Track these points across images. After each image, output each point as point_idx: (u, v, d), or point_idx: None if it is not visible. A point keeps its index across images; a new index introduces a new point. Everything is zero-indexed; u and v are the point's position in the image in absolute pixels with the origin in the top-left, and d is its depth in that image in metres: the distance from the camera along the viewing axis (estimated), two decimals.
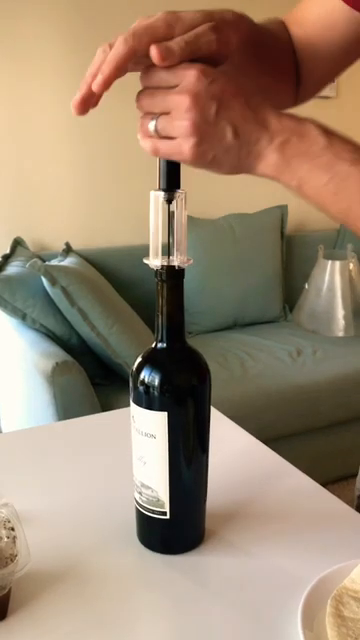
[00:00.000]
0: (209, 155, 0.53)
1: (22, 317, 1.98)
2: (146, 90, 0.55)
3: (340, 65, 0.77)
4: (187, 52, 0.52)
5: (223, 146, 0.53)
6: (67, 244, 2.40)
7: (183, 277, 0.62)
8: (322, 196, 0.54)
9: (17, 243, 2.36)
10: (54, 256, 2.31)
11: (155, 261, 0.61)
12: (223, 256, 2.63)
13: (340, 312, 2.65)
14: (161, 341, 0.63)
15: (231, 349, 2.41)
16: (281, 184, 0.55)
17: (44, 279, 1.91)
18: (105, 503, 0.77)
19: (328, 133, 0.54)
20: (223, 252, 2.63)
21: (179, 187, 0.59)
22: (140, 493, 0.67)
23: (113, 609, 0.60)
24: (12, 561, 0.58)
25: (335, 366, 2.30)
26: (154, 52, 0.51)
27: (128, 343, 1.89)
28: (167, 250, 0.61)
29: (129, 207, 2.67)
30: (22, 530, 0.61)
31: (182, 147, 0.53)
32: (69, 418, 1.08)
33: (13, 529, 0.62)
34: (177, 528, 0.68)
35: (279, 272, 2.77)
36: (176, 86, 0.53)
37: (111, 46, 0.54)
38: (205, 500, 0.70)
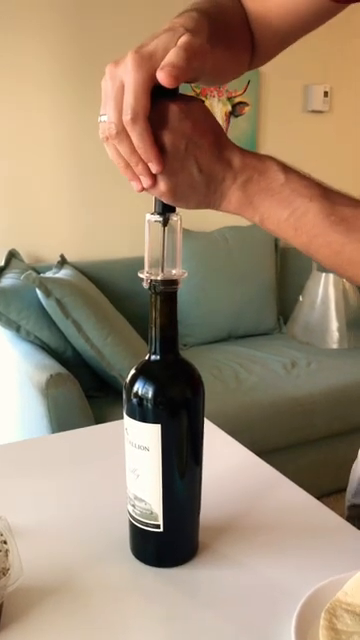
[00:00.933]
0: (177, 190, 0.56)
1: (16, 329, 1.97)
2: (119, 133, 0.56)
3: (294, 39, 0.77)
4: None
5: (190, 182, 0.56)
6: (62, 256, 2.40)
7: (177, 290, 0.62)
8: (283, 230, 0.57)
9: (12, 255, 2.36)
10: (49, 268, 2.31)
11: (149, 276, 0.61)
12: (217, 268, 2.63)
13: (334, 324, 2.66)
14: (155, 353, 0.64)
15: (225, 361, 2.41)
16: (245, 219, 0.58)
17: (38, 291, 1.91)
18: (99, 516, 0.77)
19: (287, 170, 0.56)
20: (217, 264, 2.64)
21: (174, 210, 0.60)
22: (133, 506, 0.67)
23: (106, 623, 0.60)
24: (4, 575, 0.58)
25: (329, 378, 2.30)
26: (162, 75, 0.52)
27: (122, 355, 1.89)
28: (161, 263, 0.62)
29: (124, 219, 2.68)
30: (15, 543, 0.61)
31: (158, 184, 0.55)
32: (63, 430, 1.07)
33: (5, 542, 0.61)
34: (171, 541, 0.68)
35: (273, 284, 2.78)
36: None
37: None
38: (199, 513, 0.70)
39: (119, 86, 0.53)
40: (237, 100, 2.81)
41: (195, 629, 0.59)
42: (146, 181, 0.56)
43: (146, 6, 2.55)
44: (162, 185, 0.55)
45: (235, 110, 2.82)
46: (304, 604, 0.58)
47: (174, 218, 0.60)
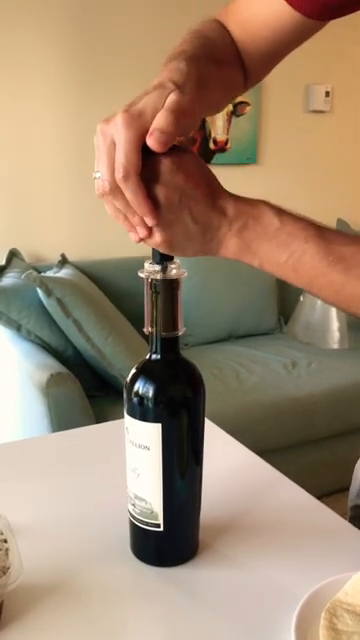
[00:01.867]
0: (173, 240, 0.57)
1: (17, 328, 1.98)
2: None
3: (281, 57, 0.79)
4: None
5: (185, 233, 0.57)
6: (63, 255, 2.40)
7: (178, 288, 0.62)
8: (283, 273, 0.58)
9: (13, 254, 2.37)
10: (49, 268, 2.31)
11: (149, 275, 0.61)
12: (218, 268, 2.63)
13: (335, 324, 2.66)
14: (155, 352, 0.64)
15: (226, 361, 2.41)
16: (247, 264, 0.59)
17: (39, 290, 1.91)
18: (99, 515, 0.77)
19: (281, 213, 0.57)
20: (218, 264, 2.64)
21: (172, 259, 0.61)
22: (134, 505, 0.67)
23: (106, 622, 0.60)
24: (4, 573, 0.58)
25: (330, 378, 2.30)
26: (151, 142, 0.53)
27: (123, 354, 1.89)
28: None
29: None
30: (15, 542, 0.61)
31: (154, 235, 0.57)
32: (64, 429, 1.07)
33: (6, 541, 0.61)
34: (171, 540, 0.68)
35: (274, 284, 2.78)
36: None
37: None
38: (199, 512, 0.70)
39: (110, 144, 0.55)
40: (238, 100, 2.80)
41: (195, 629, 0.59)
42: (142, 232, 0.57)
43: (148, 1, 2.55)
44: (158, 236, 0.57)
45: (236, 110, 2.82)
46: (304, 604, 0.58)
47: (172, 266, 0.61)
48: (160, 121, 0.54)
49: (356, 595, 0.60)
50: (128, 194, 0.55)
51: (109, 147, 0.55)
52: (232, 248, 0.58)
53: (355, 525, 0.76)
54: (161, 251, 0.59)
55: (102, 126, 0.56)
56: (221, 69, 0.71)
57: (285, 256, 0.56)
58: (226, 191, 0.59)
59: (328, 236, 0.56)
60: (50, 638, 0.58)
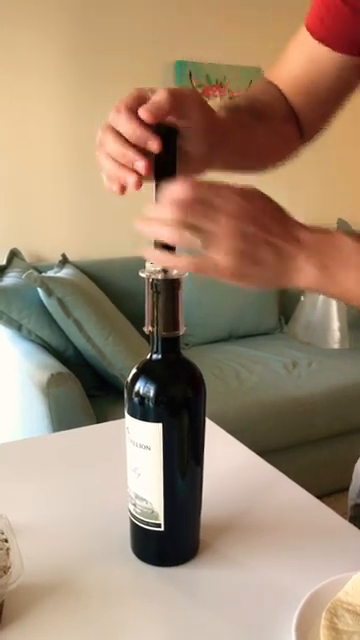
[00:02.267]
0: (248, 273, 0.55)
1: (18, 328, 1.98)
2: (193, 204, 0.54)
3: (337, 103, 0.81)
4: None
5: (262, 265, 0.55)
6: (63, 255, 2.41)
7: (179, 288, 0.62)
8: None
9: (13, 254, 2.37)
10: (50, 267, 2.31)
11: (150, 275, 0.61)
12: None
13: (335, 324, 2.66)
14: (156, 352, 0.64)
15: (226, 361, 2.41)
16: (323, 294, 0.57)
17: (40, 290, 1.91)
18: (100, 515, 0.77)
19: (356, 235, 0.56)
20: None
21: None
22: (134, 505, 0.67)
23: (106, 622, 0.60)
24: (5, 573, 0.58)
25: (330, 378, 2.30)
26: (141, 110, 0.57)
27: (124, 354, 1.89)
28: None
29: (125, 219, 2.67)
30: (15, 542, 0.61)
31: (223, 266, 0.54)
32: (64, 429, 1.07)
33: (7, 541, 0.61)
34: (171, 540, 0.68)
35: None
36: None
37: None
38: (200, 512, 0.70)
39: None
40: None
41: (195, 629, 0.59)
42: (132, 177, 0.58)
43: (148, 1, 2.55)
44: (235, 270, 0.55)
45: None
46: (305, 604, 0.58)
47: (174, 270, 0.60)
48: (155, 95, 0.57)
49: (357, 595, 0.60)
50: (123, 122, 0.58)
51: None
52: (311, 278, 0.55)
53: (355, 524, 0.76)
54: (228, 281, 0.56)
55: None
56: (261, 121, 0.73)
57: None
58: (297, 221, 0.57)
59: None
60: (51, 638, 0.58)
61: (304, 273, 0.55)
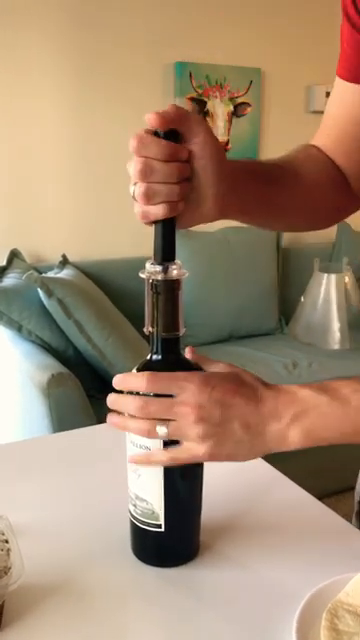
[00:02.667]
0: (223, 452, 0.58)
1: (18, 329, 1.98)
2: (153, 398, 0.59)
3: None
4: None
5: (234, 441, 0.58)
6: (64, 256, 2.41)
7: (179, 289, 0.62)
8: (353, 439, 0.58)
9: (14, 255, 2.37)
10: (50, 268, 2.31)
11: (150, 276, 0.61)
12: (219, 269, 2.63)
13: (336, 325, 2.66)
14: (156, 353, 0.63)
15: (227, 361, 2.40)
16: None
17: (40, 291, 1.91)
18: (100, 516, 0.77)
19: (322, 387, 0.59)
20: (219, 265, 2.64)
21: (173, 259, 0.61)
22: (135, 505, 0.67)
23: (107, 623, 0.60)
24: (6, 574, 0.58)
25: (331, 379, 2.29)
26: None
27: (124, 355, 1.89)
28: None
29: (126, 219, 2.67)
30: (16, 542, 0.61)
31: (196, 451, 0.58)
32: (64, 430, 1.07)
33: (7, 541, 0.61)
34: (172, 541, 0.67)
35: (275, 285, 2.78)
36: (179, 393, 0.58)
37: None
38: (200, 513, 0.70)
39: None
40: (239, 100, 2.81)
41: (196, 630, 0.59)
42: (168, 206, 0.57)
43: (148, 5, 2.55)
44: (209, 453, 0.58)
45: (237, 110, 2.82)
46: (306, 604, 0.58)
47: (173, 267, 0.60)
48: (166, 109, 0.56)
49: (357, 596, 0.60)
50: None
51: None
52: (296, 440, 0.58)
53: None
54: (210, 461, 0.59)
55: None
56: (282, 184, 0.72)
57: (351, 424, 0.57)
58: (264, 385, 0.60)
59: None
60: (51, 638, 0.58)
61: (288, 439, 0.58)
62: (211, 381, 0.58)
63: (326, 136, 0.79)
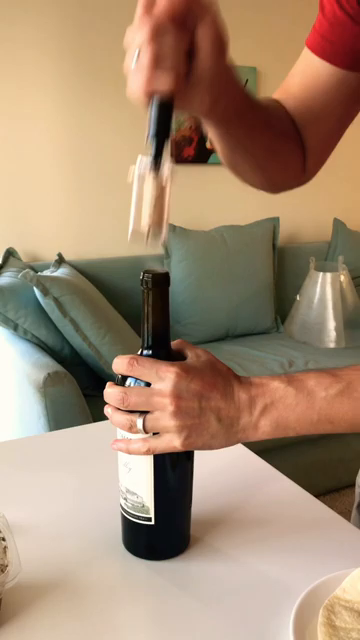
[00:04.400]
0: (199, 443, 0.60)
1: (14, 328, 1.97)
2: (132, 388, 0.61)
3: (342, 123, 0.79)
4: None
5: (210, 433, 0.60)
6: (59, 255, 2.40)
7: (169, 284, 0.62)
8: (322, 429, 0.60)
9: (9, 254, 2.36)
10: (46, 267, 2.31)
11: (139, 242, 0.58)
12: (215, 267, 2.64)
13: (331, 323, 2.67)
14: (147, 348, 0.64)
15: (223, 360, 2.39)
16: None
17: (36, 290, 1.91)
18: (96, 513, 0.77)
19: (290, 379, 0.60)
20: (215, 263, 2.64)
21: (169, 136, 0.55)
22: (125, 499, 0.67)
23: (101, 618, 0.60)
24: (3, 571, 0.58)
25: None
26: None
27: (120, 354, 1.88)
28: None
29: (121, 218, 2.67)
30: (13, 540, 0.61)
31: (173, 442, 0.59)
32: (60, 429, 1.07)
33: (4, 539, 0.61)
34: (162, 534, 0.68)
35: (271, 284, 2.79)
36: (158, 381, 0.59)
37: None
38: (190, 506, 0.70)
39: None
40: None
41: (188, 622, 0.59)
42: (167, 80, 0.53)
43: None
44: (186, 443, 0.59)
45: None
46: (302, 601, 0.58)
47: (166, 165, 0.55)
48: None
49: (354, 592, 0.60)
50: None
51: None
52: (265, 430, 0.60)
53: None
54: (186, 449, 0.60)
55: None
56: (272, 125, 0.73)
57: (315, 415, 0.59)
58: (236, 378, 0.62)
59: (340, 375, 0.59)
60: (48, 635, 0.58)
61: (257, 429, 0.60)
62: (190, 372, 0.59)
63: (289, 99, 0.79)
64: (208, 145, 2.80)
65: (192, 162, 2.79)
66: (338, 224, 3.06)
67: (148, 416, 0.60)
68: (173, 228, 2.63)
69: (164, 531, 0.68)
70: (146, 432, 0.60)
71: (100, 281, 2.42)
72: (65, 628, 0.58)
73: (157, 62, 0.51)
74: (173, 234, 2.61)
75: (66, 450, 0.96)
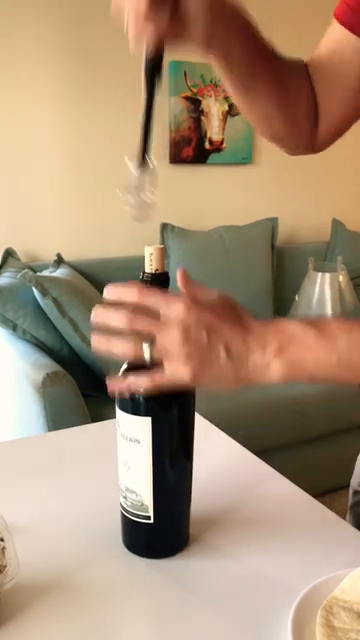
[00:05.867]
0: (207, 376, 0.56)
1: (13, 328, 1.97)
2: (140, 311, 0.57)
3: (357, 96, 0.79)
4: None
5: (219, 366, 0.56)
6: (58, 255, 2.40)
7: (168, 284, 0.62)
8: (338, 373, 0.56)
9: (8, 254, 2.36)
10: (45, 267, 2.31)
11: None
12: (214, 268, 2.64)
13: None
14: None
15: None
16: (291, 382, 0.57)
17: (35, 290, 1.91)
18: (95, 513, 0.77)
19: (309, 323, 0.57)
20: (214, 264, 2.64)
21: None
22: (125, 497, 0.67)
23: (100, 617, 0.60)
24: (1, 572, 0.58)
25: None
26: None
27: None
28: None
29: (120, 219, 2.67)
30: (12, 541, 0.61)
31: (180, 372, 0.56)
32: (59, 429, 1.07)
33: (2, 540, 0.61)
34: (161, 532, 0.68)
35: (269, 284, 2.79)
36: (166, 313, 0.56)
37: None
38: (189, 505, 0.70)
39: None
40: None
41: (187, 620, 0.59)
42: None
43: None
44: (194, 375, 0.56)
45: (232, 110, 2.82)
46: (301, 601, 0.58)
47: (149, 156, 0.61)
48: None
49: (353, 592, 0.60)
50: None
51: None
52: (278, 371, 0.56)
53: (356, 511, 0.76)
54: (195, 385, 0.58)
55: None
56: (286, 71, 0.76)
57: (335, 357, 0.55)
58: (251, 316, 0.58)
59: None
60: (47, 635, 0.58)
61: (270, 370, 0.56)
62: (201, 303, 0.57)
63: (311, 65, 0.81)
64: (207, 145, 2.81)
65: (191, 162, 2.79)
66: (337, 224, 3.06)
67: (156, 342, 0.56)
68: (172, 228, 2.63)
69: (163, 530, 0.68)
70: (151, 361, 0.57)
71: (99, 281, 2.42)
72: (64, 628, 0.58)
73: (142, 16, 0.58)
74: (172, 234, 2.61)
75: (65, 450, 0.96)
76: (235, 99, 0.78)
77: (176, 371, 0.56)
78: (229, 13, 0.65)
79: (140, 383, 0.58)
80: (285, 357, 0.56)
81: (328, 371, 0.56)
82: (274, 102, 0.77)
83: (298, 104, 0.79)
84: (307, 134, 0.82)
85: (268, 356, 0.56)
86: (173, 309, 0.56)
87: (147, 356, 0.56)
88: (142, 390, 0.60)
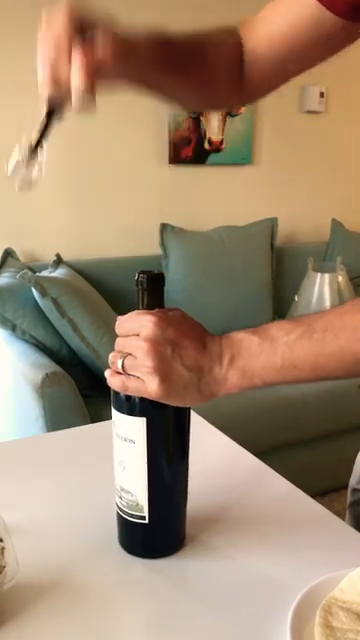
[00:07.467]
0: (172, 392, 0.60)
1: (12, 328, 1.97)
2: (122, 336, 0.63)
3: (296, 66, 0.84)
4: None
5: (182, 383, 0.60)
6: (58, 255, 2.40)
7: (163, 284, 0.63)
8: (287, 376, 0.60)
9: (8, 254, 2.36)
10: (45, 267, 2.31)
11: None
12: (213, 268, 2.64)
13: None
14: None
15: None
16: (249, 390, 0.61)
17: (34, 290, 1.91)
18: (94, 514, 0.77)
19: (255, 330, 0.61)
20: (213, 264, 2.64)
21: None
22: (120, 497, 0.67)
23: (99, 617, 0.60)
24: (0, 572, 0.58)
25: None
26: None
27: None
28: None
29: (119, 219, 2.68)
30: (11, 541, 0.61)
31: (147, 385, 0.60)
32: (58, 429, 1.07)
33: (2, 540, 0.62)
34: (156, 532, 0.68)
35: (269, 284, 2.79)
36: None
37: None
38: (185, 505, 0.70)
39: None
40: None
41: (185, 620, 0.59)
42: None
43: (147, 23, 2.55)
44: (156, 387, 0.59)
45: (231, 110, 2.82)
46: (300, 601, 0.58)
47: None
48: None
49: (351, 593, 0.60)
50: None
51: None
52: (234, 381, 0.60)
53: (355, 510, 0.76)
54: (159, 400, 0.61)
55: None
56: (193, 63, 0.77)
57: (279, 360, 0.59)
58: (208, 332, 0.63)
59: (304, 322, 0.60)
60: (47, 634, 0.58)
61: (227, 381, 0.60)
62: (166, 320, 0.61)
63: (257, 31, 0.84)
64: (207, 146, 2.81)
65: (190, 163, 2.79)
66: (336, 225, 3.06)
67: (129, 357, 0.61)
68: (172, 228, 2.63)
69: (158, 530, 0.68)
70: (125, 371, 0.61)
71: (98, 281, 2.42)
72: (63, 627, 0.58)
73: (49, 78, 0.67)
74: (171, 234, 2.61)
75: (64, 451, 0.96)
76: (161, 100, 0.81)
77: (145, 382, 0.60)
78: (141, 47, 0.69)
79: (112, 380, 0.63)
80: (236, 366, 0.60)
81: (276, 374, 0.59)
82: (197, 95, 0.81)
83: (220, 82, 0.81)
84: (230, 95, 0.85)
85: (224, 367, 0.60)
86: (144, 328, 0.60)
87: (119, 367, 0.61)
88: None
